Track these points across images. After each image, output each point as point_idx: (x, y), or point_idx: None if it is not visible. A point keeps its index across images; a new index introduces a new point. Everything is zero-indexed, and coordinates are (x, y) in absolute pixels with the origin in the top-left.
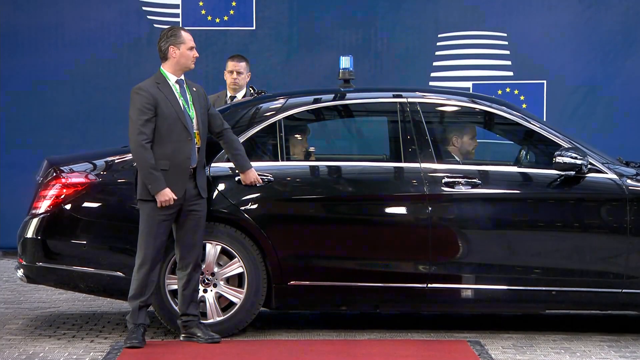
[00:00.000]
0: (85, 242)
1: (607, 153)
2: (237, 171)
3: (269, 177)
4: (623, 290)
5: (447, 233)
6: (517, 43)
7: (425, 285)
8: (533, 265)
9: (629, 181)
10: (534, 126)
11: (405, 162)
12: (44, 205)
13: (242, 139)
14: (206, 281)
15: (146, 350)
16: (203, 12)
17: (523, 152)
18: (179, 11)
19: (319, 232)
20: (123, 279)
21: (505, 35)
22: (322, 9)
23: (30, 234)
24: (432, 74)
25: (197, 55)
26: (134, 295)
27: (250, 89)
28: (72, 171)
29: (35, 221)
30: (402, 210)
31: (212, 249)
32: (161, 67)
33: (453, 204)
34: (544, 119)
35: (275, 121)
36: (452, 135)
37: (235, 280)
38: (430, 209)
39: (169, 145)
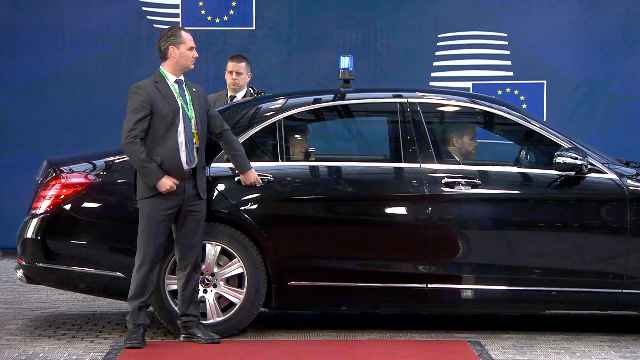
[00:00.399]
0: (84, 243)
1: (607, 153)
2: (236, 171)
3: (269, 178)
4: (623, 291)
5: (447, 233)
6: (517, 43)
7: (425, 286)
8: (533, 265)
9: (629, 181)
10: (534, 126)
11: (405, 162)
12: (43, 206)
13: (242, 139)
14: (206, 281)
15: (146, 350)
16: (203, 12)
17: (523, 152)
18: (178, 11)
19: (319, 232)
20: (123, 279)
21: (506, 35)
22: (322, 9)
23: (30, 234)
24: (432, 74)
25: (196, 55)
26: (134, 296)
27: (250, 89)
28: (71, 171)
29: (35, 221)
30: (402, 210)
31: (212, 250)
32: (161, 66)
33: (453, 204)
34: (544, 119)
35: (275, 121)
36: (452, 136)
37: (235, 281)
38: (430, 209)
39: (167, 145)
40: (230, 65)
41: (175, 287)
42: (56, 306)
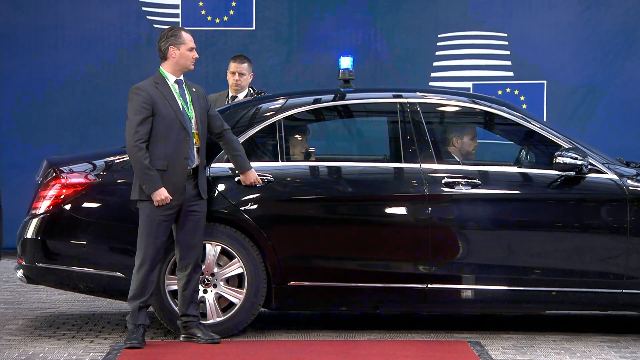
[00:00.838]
0: (85, 243)
1: (607, 153)
2: (237, 171)
3: (269, 178)
4: (623, 291)
5: (447, 233)
6: (517, 43)
7: (425, 286)
8: (533, 265)
9: (629, 181)
10: (534, 126)
11: (405, 162)
12: (43, 206)
13: (242, 139)
14: (206, 282)
15: (146, 350)
16: (203, 12)
17: (523, 153)
18: (178, 11)
19: (319, 232)
20: (123, 280)
21: (506, 35)
22: (322, 9)
23: (30, 234)
24: (432, 74)
25: (196, 56)
26: (134, 296)
27: (250, 89)
28: (71, 171)
29: (35, 221)
30: (402, 210)
31: (212, 250)
32: (161, 67)
33: (453, 205)
34: (544, 119)
35: (275, 121)
36: (453, 136)
37: (235, 281)
38: (430, 209)
39: (168, 145)
40: (233, 66)
41: (175, 287)
42: (56, 306)
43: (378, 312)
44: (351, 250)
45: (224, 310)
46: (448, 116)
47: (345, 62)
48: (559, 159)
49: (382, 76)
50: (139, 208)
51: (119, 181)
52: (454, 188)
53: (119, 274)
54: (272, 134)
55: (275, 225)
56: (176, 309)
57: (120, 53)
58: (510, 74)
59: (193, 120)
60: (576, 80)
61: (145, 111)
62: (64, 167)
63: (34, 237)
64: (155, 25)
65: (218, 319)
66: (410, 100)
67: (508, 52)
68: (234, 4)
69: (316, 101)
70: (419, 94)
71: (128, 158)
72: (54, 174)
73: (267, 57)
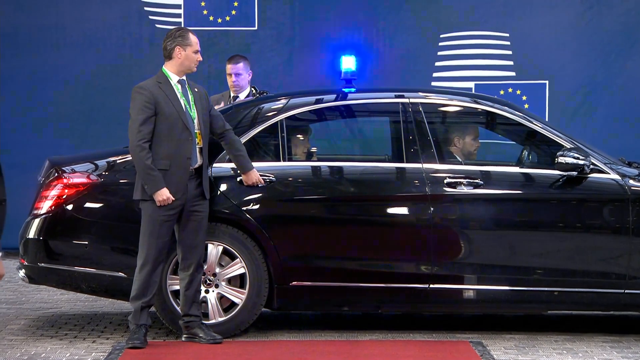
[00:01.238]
0: (87, 243)
1: (609, 153)
2: (238, 172)
3: (271, 178)
4: (625, 291)
5: (449, 233)
6: (519, 43)
7: (427, 286)
8: (535, 265)
9: (631, 181)
10: (536, 126)
11: (407, 162)
12: (45, 206)
13: (244, 139)
14: (208, 282)
15: (148, 350)
16: (205, 12)
17: (525, 153)
18: (180, 11)
19: (321, 232)
20: (125, 280)
21: (507, 35)
22: (324, 10)
23: (32, 234)
24: (434, 74)
25: (200, 59)
26: (136, 296)
27: (252, 89)
28: (73, 171)
29: (37, 221)
30: (404, 210)
31: (214, 250)
32: (164, 66)
33: (455, 205)
34: (546, 119)
35: (277, 121)
36: (455, 136)
37: (237, 281)
38: (432, 209)
39: (170, 145)
40: (228, 68)
41: (177, 287)
42: (58, 306)
43: (380, 312)
44: (353, 250)
45: (226, 310)
46: (450, 116)
47: (347, 62)
48: (561, 159)
49: (384, 76)
50: (141, 208)
51: (121, 181)
52: (456, 188)
53: (121, 274)
54: (274, 134)
55: (277, 225)
56: (178, 309)
57: (122, 53)
58: (512, 73)
59: (195, 120)
60: (578, 80)
61: (148, 110)
62: (66, 167)
63: (36, 237)
64: (157, 26)
65: (220, 319)
66: (412, 100)
67: (510, 52)
68: (236, 4)
69: (318, 101)
70: (421, 94)
71: (130, 158)
72: (56, 174)
73: (269, 57)
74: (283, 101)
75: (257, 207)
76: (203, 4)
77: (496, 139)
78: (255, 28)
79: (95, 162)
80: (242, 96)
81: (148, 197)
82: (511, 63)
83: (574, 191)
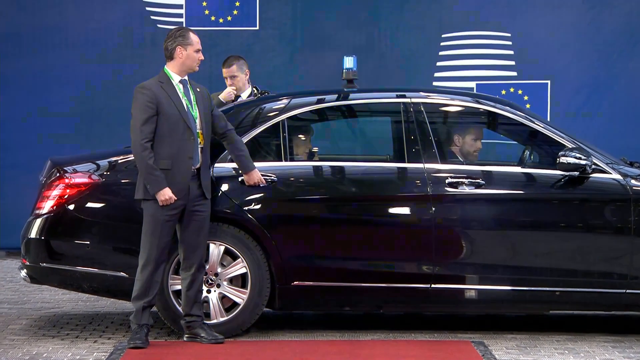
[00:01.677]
0: (88, 243)
1: (611, 153)
2: (240, 171)
3: (273, 178)
4: (627, 291)
5: (450, 233)
6: (521, 43)
7: (428, 286)
8: (537, 265)
9: (633, 181)
10: (538, 126)
11: (408, 162)
12: (47, 206)
13: (245, 139)
14: (210, 281)
15: (150, 350)
16: (207, 12)
17: (527, 153)
18: (182, 11)
19: (323, 232)
20: (126, 280)
21: (509, 35)
22: (325, 10)
23: (33, 234)
24: (436, 74)
25: (202, 58)
26: (138, 296)
27: (254, 89)
28: (75, 171)
29: (38, 221)
30: (405, 210)
31: (216, 250)
32: (165, 66)
33: (457, 205)
34: (548, 119)
35: (279, 121)
36: (456, 136)
37: (239, 281)
38: (433, 209)
39: (172, 145)
40: (224, 72)
41: (178, 287)
42: (60, 306)
43: (381, 312)
44: (355, 250)
45: (228, 310)
46: (452, 116)
47: (349, 62)
48: (563, 159)
49: (385, 76)
50: (143, 208)
51: (122, 181)
52: (457, 188)
53: (122, 274)
54: (276, 134)
55: (278, 225)
56: (180, 309)
57: (123, 53)
58: (514, 73)
59: (197, 120)
60: (580, 80)
61: (150, 110)
62: (68, 167)
63: (38, 237)
64: (159, 26)
65: (222, 319)
66: (413, 100)
67: (512, 52)
68: (237, 4)
69: (320, 101)
70: (422, 94)
71: (132, 158)
72: (58, 174)
73: (271, 57)
74: (285, 101)
75: (258, 207)
76: (205, 4)
77: (498, 139)
78: (257, 28)
79: (97, 162)
80: (244, 96)
81: (150, 197)
82: (513, 63)
83: (576, 191)
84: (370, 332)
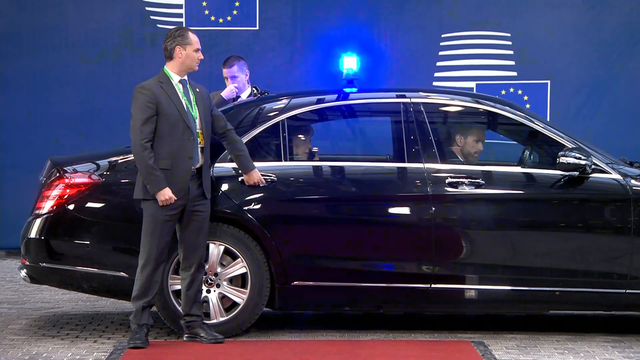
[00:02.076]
0: (88, 243)
1: (611, 153)
2: (240, 171)
3: (272, 178)
4: (627, 291)
5: (450, 233)
6: (521, 43)
7: (428, 286)
8: (537, 265)
9: (633, 181)
10: (538, 126)
11: (408, 162)
12: (47, 206)
13: (245, 139)
14: (209, 281)
15: (149, 350)
16: (206, 12)
17: (527, 153)
18: (182, 11)
19: (322, 232)
20: (126, 280)
21: (509, 35)
22: (325, 9)
23: (33, 234)
24: (436, 74)
25: (201, 57)
26: (138, 296)
27: (254, 89)
28: (75, 171)
29: (38, 221)
30: (405, 210)
31: (216, 249)
32: (165, 66)
33: (456, 205)
34: (548, 119)
35: (279, 121)
36: (456, 136)
37: (239, 281)
38: (433, 209)
39: (172, 145)
40: (224, 72)
41: (178, 287)
42: (60, 306)
43: (381, 312)
44: (354, 250)
45: (228, 310)
46: (451, 116)
47: (349, 62)
48: (563, 159)
49: (385, 76)
50: (143, 208)
51: (122, 181)
52: (457, 188)
53: (122, 274)
54: (276, 134)
55: (278, 225)
56: (179, 308)
57: (123, 53)
58: (514, 73)
59: (197, 120)
60: (580, 80)
61: (150, 110)
62: (68, 167)
63: (38, 237)
64: (158, 25)
65: (221, 319)
66: (413, 100)
67: (511, 52)
68: (237, 4)
69: (319, 101)
70: (422, 94)
71: (132, 158)
72: (58, 174)
73: (271, 57)
74: (284, 101)
75: (258, 207)
76: (204, 4)
77: (498, 139)
78: (257, 28)
79: (97, 162)
80: (244, 96)
81: (149, 197)
82: (513, 63)
83: (576, 191)
84: (370, 332)
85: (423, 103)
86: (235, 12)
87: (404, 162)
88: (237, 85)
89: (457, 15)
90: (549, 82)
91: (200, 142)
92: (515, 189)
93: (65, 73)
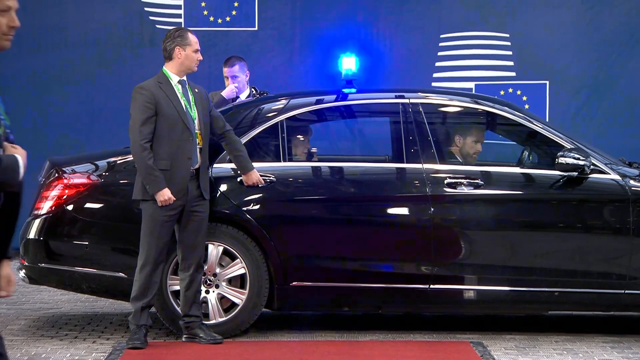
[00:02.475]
0: (87, 243)
1: (610, 154)
2: (239, 172)
3: (271, 178)
4: (626, 291)
5: (449, 234)
6: (520, 43)
7: (427, 286)
8: (535, 266)
9: (631, 182)
10: (537, 127)
11: (407, 162)
12: (46, 206)
13: (244, 139)
14: (208, 282)
15: (148, 351)
16: (205, 12)
17: (526, 153)
18: (181, 12)
19: (321, 232)
20: (125, 280)
21: (508, 35)
22: (324, 10)
23: (32, 234)
24: (435, 75)
25: (200, 58)
26: (137, 296)
27: (253, 89)
28: (74, 172)
29: (37, 222)
30: (404, 211)
31: (214, 250)
32: (164, 67)
33: (455, 205)
34: (547, 120)
35: (278, 122)
36: (455, 136)
37: (238, 281)
38: (432, 209)
39: (171, 145)
40: (224, 71)
41: (177, 287)
42: (58, 307)
43: (380, 313)
44: (353, 250)
45: (226, 310)
46: (450, 116)
47: (348, 63)
48: (562, 160)
49: (384, 76)
50: (142, 208)
51: (121, 182)
52: (456, 188)
53: (121, 274)
54: (275, 134)
55: (277, 226)
56: (178, 309)
57: (123, 53)
58: (513, 74)
59: (196, 121)
60: (579, 81)
61: (149, 111)
62: (67, 168)
63: (37, 237)
64: (157, 26)
65: (220, 320)
66: (412, 100)
67: (510, 53)
68: (236, 4)
69: (318, 102)
70: (421, 94)
71: (131, 158)
72: (57, 175)
73: (270, 58)
74: (283, 102)
75: (257, 207)
76: (203, 4)
77: (496, 140)
78: (256, 28)
79: (96, 162)
80: (243, 97)
81: (148, 197)
82: (511, 63)
83: (575, 192)
84: (369, 332)
85: (422, 103)
86: (234, 12)
87: (402, 162)
88: (237, 85)
89: (457, 16)
90: (547, 82)
91: (199, 143)
92: (514, 190)
93: (64, 73)
